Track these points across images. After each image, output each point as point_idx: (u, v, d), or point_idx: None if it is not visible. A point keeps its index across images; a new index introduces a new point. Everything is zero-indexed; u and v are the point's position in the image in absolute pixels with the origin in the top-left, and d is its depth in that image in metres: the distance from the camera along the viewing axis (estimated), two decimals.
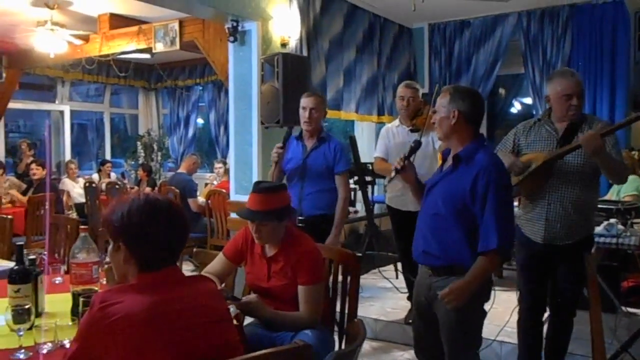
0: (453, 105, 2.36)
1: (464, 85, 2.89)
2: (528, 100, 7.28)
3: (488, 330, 3.55)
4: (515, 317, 3.24)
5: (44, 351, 1.80)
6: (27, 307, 1.90)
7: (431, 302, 2.47)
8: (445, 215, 2.35)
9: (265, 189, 2.45)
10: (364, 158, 5.60)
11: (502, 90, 7.95)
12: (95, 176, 8.66)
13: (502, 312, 3.79)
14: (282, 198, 2.48)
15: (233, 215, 5.18)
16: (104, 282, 2.38)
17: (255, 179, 4.81)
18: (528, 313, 3.08)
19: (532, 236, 2.94)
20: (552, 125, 2.90)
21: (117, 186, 7.71)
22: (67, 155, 9.34)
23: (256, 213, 2.41)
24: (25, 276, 2.12)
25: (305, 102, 3.59)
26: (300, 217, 3.46)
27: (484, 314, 2.49)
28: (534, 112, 6.61)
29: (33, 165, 6.79)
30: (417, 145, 2.65)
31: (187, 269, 5.88)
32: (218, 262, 2.57)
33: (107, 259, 1.69)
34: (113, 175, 8.91)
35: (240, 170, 5.03)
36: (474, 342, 2.51)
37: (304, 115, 3.58)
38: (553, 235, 2.86)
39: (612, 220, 3.73)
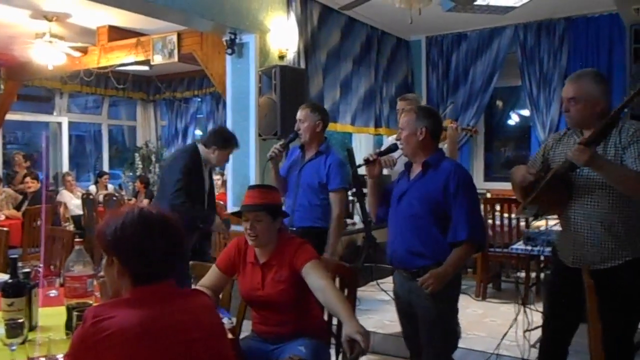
0: (420, 122, 2.61)
1: (424, 105, 3.01)
2: (525, 112, 7.31)
3: (487, 343, 3.55)
4: (513, 329, 3.22)
5: None
6: (20, 321, 1.88)
7: (413, 304, 2.64)
8: (422, 214, 2.57)
9: (259, 186, 2.62)
10: (361, 170, 5.59)
11: (499, 103, 7.97)
12: (93, 188, 8.64)
13: (500, 325, 3.79)
14: (275, 197, 2.54)
15: (231, 227, 5.16)
16: (99, 296, 2.36)
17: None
18: (548, 338, 2.80)
19: (564, 259, 2.64)
20: (579, 134, 2.57)
21: (114, 198, 7.69)
22: (65, 167, 9.33)
23: (253, 206, 2.44)
24: (19, 290, 2.09)
25: (297, 114, 3.61)
26: (292, 228, 3.43)
27: (457, 311, 2.71)
28: (531, 124, 6.64)
29: (28, 179, 6.78)
30: (394, 147, 2.91)
31: None
32: (211, 274, 2.53)
33: (102, 273, 1.68)
34: (110, 187, 8.89)
35: (237, 182, 5.02)
36: (451, 339, 2.72)
37: (297, 126, 3.60)
38: (583, 258, 2.52)
39: None
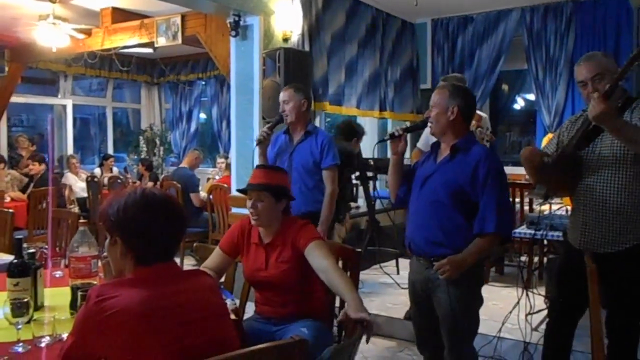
0: (452, 101, 2.46)
1: (458, 82, 2.88)
2: (531, 97, 7.26)
3: (488, 326, 3.56)
4: (515, 312, 3.23)
5: (42, 344, 1.80)
6: (25, 300, 1.90)
7: (430, 295, 2.52)
8: (445, 201, 2.43)
9: (266, 166, 2.54)
10: (365, 153, 5.59)
11: (505, 86, 7.92)
12: (98, 170, 8.67)
13: (502, 309, 3.80)
14: (281, 178, 2.50)
15: (234, 210, 5.18)
16: (103, 276, 2.38)
17: None
18: (555, 321, 2.81)
19: (572, 241, 2.64)
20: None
21: (119, 180, 7.71)
22: (70, 150, 9.35)
23: (256, 185, 2.43)
24: (24, 270, 2.12)
25: (280, 96, 3.60)
26: None
27: (481, 301, 2.57)
28: (537, 109, 6.59)
29: (30, 161, 6.80)
30: (422, 124, 2.75)
31: (189, 263, 5.90)
32: (215, 256, 2.55)
33: (105, 253, 1.69)
34: (115, 170, 8.92)
35: (241, 165, 5.02)
36: (474, 329, 2.58)
37: (281, 108, 3.59)
38: (590, 240, 2.52)
39: None
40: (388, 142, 2.69)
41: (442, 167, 2.49)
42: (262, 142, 3.58)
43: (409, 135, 2.69)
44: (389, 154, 2.80)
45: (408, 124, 2.73)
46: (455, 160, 2.46)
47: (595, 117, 2.24)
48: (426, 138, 3.99)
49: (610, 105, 2.24)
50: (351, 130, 5.03)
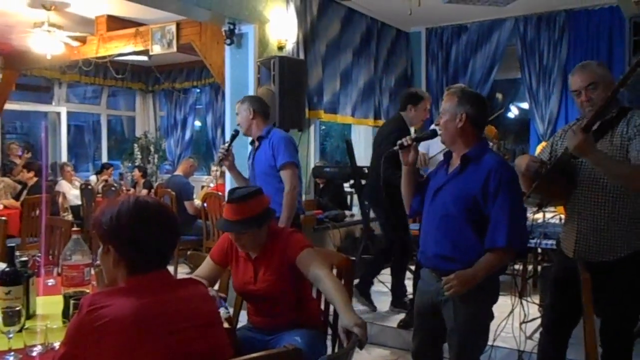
0: (461, 108, 2.36)
1: (470, 89, 2.82)
2: (525, 105, 7.30)
3: None
4: (509, 321, 3.23)
5: (34, 354, 1.79)
6: (17, 309, 1.88)
7: (439, 308, 2.43)
8: (456, 215, 2.33)
9: (239, 197, 2.31)
10: (360, 161, 5.59)
11: (499, 95, 7.96)
12: (93, 178, 8.63)
13: (496, 317, 3.78)
14: (258, 203, 2.35)
15: None
16: (96, 284, 2.36)
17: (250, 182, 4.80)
18: (548, 329, 2.78)
19: (566, 250, 2.61)
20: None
21: (113, 188, 7.69)
22: (64, 157, 9.33)
23: (233, 223, 2.31)
24: (16, 278, 2.10)
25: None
26: None
27: (492, 316, 2.49)
28: (530, 117, 6.63)
29: (24, 170, 6.79)
30: (431, 134, 2.63)
31: (183, 271, 5.87)
32: (206, 265, 2.52)
33: (98, 262, 1.68)
34: (111, 178, 8.88)
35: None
36: (482, 343, 2.50)
37: (237, 121, 3.70)
38: (585, 249, 2.49)
39: None
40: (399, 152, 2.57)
41: (453, 180, 2.39)
42: (223, 160, 3.63)
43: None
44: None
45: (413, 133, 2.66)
46: (465, 172, 2.36)
47: (574, 148, 2.25)
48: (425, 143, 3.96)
49: (588, 137, 2.24)
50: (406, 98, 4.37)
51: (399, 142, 2.53)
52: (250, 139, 3.82)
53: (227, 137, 5.14)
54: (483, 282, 2.29)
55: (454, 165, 2.43)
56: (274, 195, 3.42)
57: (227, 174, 5.17)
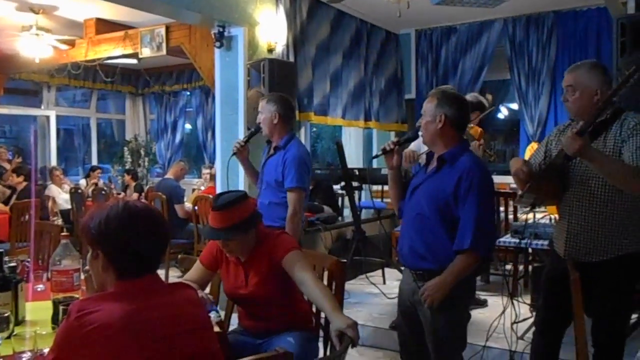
0: (440, 110, 2.39)
1: (451, 90, 2.84)
2: (514, 106, 7.33)
3: (475, 335, 3.56)
4: (501, 321, 3.24)
5: None
6: (6, 315, 1.87)
7: (416, 307, 2.48)
8: (429, 215, 2.38)
9: (224, 204, 2.25)
10: (351, 163, 5.60)
11: (488, 96, 7.98)
12: (83, 182, 8.59)
13: (489, 317, 3.81)
14: (244, 209, 2.28)
15: None
16: (85, 290, 2.35)
17: (241, 184, 4.79)
18: (540, 330, 2.78)
19: (558, 249, 2.62)
20: (577, 126, 2.45)
21: (102, 192, 7.65)
22: (53, 161, 9.27)
23: (218, 231, 2.27)
24: (5, 284, 2.08)
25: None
26: None
27: (469, 316, 2.54)
28: (520, 118, 6.66)
29: (13, 175, 6.74)
30: (413, 135, 2.69)
31: (174, 275, 5.85)
32: (196, 269, 2.49)
33: (87, 267, 1.67)
34: (100, 181, 8.84)
35: (226, 176, 4.99)
36: (460, 345, 2.52)
37: (257, 118, 3.49)
38: (575, 249, 2.51)
39: None
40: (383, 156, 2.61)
41: (429, 179, 2.44)
42: (237, 154, 3.52)
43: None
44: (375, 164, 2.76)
45: (393, 135, 2.68)
46: (441, 173, 2.39)
47: (573, 153, 2.27)
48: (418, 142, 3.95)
49: (586, 142, 2.25)
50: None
51: (382, 146, 2.58)
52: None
53: (217, 140, 5.14)
54: (456, 287, 2.33)
55: (432, 165, 2.48)
56: (277, 206, 3.37)
57: (218, 177, 5.17)
